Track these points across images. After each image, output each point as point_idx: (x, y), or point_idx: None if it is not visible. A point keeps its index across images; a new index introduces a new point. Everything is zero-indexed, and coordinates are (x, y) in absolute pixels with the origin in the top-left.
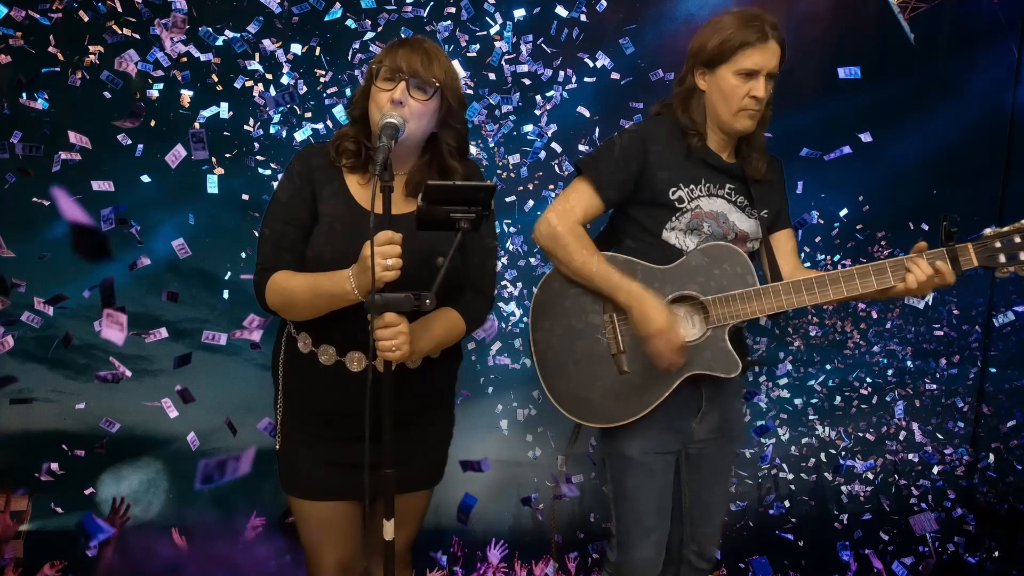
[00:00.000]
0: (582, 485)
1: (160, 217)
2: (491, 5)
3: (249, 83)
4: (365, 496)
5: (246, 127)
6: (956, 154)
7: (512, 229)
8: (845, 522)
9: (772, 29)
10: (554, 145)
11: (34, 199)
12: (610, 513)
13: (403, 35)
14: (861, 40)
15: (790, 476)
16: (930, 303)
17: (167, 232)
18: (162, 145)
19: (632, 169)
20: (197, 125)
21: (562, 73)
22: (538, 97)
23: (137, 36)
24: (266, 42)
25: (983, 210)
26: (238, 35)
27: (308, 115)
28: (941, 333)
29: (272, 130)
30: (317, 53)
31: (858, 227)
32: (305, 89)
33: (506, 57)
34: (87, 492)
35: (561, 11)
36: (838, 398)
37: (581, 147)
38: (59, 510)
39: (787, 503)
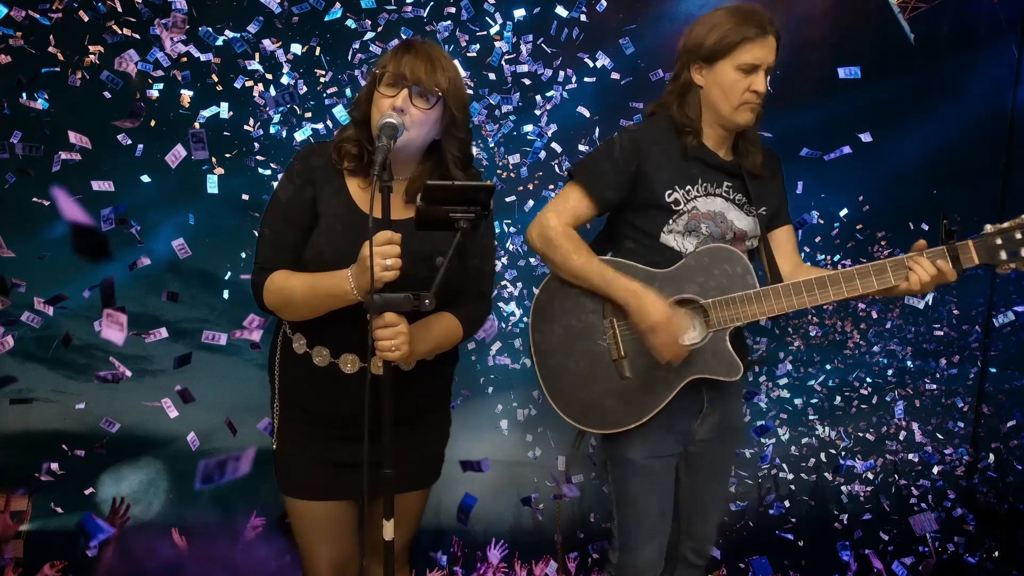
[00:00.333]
0: (582, 485)
1: (160, 217)
2: (491, 5)
3: (249, 83)
4: (364, 496)
5: (246, 127)
6: (956, 154)
7: (512, 229)
8: (845, 522)
9: (769, 24)
10: (554, 145)
11: (34, 199)
12: (611, 515)
13: (403, 35)
14: (861, 40)
15: (790, 476)
16: (930, 303)
17: (167, 232)
18: (162, 145)
19: (626, 174)
20: (197, 125)
21: (562, 73)
22: (538, 97)
23: (137, 36)
24: (266, 42)
25: (983, 210)
26: (238, 35)
27: (308, 115)
28: (941, 333)
29: (272, 130)
30: (317, 53)
31: (858, 227)
32: (305, 89)
33: (506, 57)
34: (87, 492)
35: (561, 11)
36: (838, 398)
37: (581, 147)
38: (59, 510)
39: (787, 503)
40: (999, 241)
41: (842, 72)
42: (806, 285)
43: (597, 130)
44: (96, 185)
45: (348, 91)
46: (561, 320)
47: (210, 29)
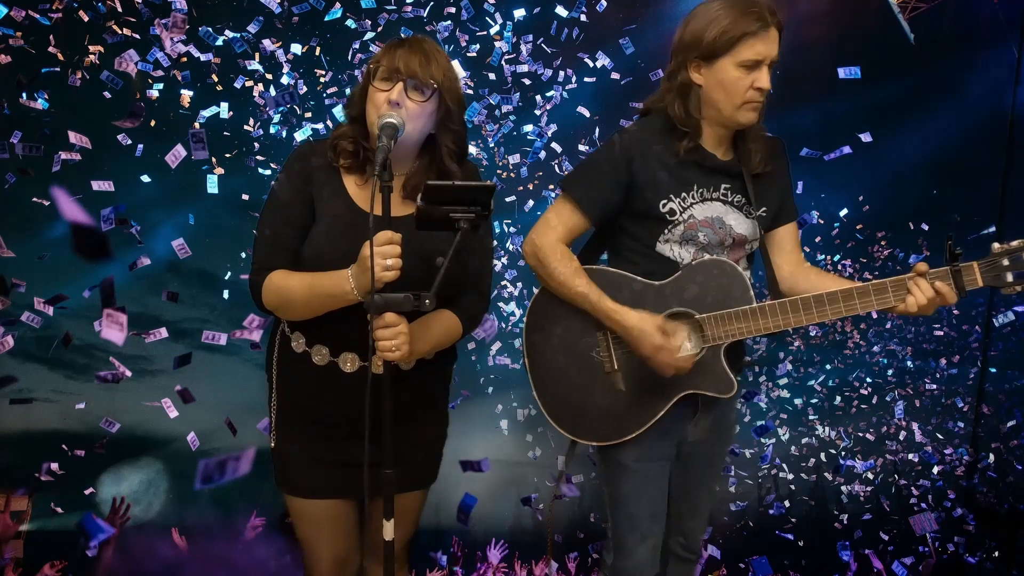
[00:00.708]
0: (582, 485)
1: (160, 217)
2: (491, 5)
3: (249, 83)
4: (364, 494)
5: (246, 127)
6: (956, 154)
7: (512, 229)
8: (845, 522)
9: (771, 15)
10: (554, 145)
11: (34, 199)
12: (606, 514)
13: (403, 35)
14: (861, 40)
15: (790, 476)
16: None
17: (167, 232)
18: (162, 145)
19: (618, 187)
20: (197, 125)
21: (562, 73)
22: (538, 97)
23: (137, 36)
24: (266, 42)
25: (983, 210)
26: (238, 35)
27: (308, 115)
28: (941, 333)
29: (272, 130)
30: (317, 53)
31: (858, 227)
32: (305, 89)
33: (506, 57)
34: (87, 492)
35: (561, 11)
36: (838, 398)
37: (581, 147)
38: (59, 510)
39: (787, 503)
40: (1006, 262)
41: (842, 72)
42: (803, 303)
43: (597, 130)
44: (96, 185)
45: (348, 91)
46: (556, 328)
47: (210, 29)
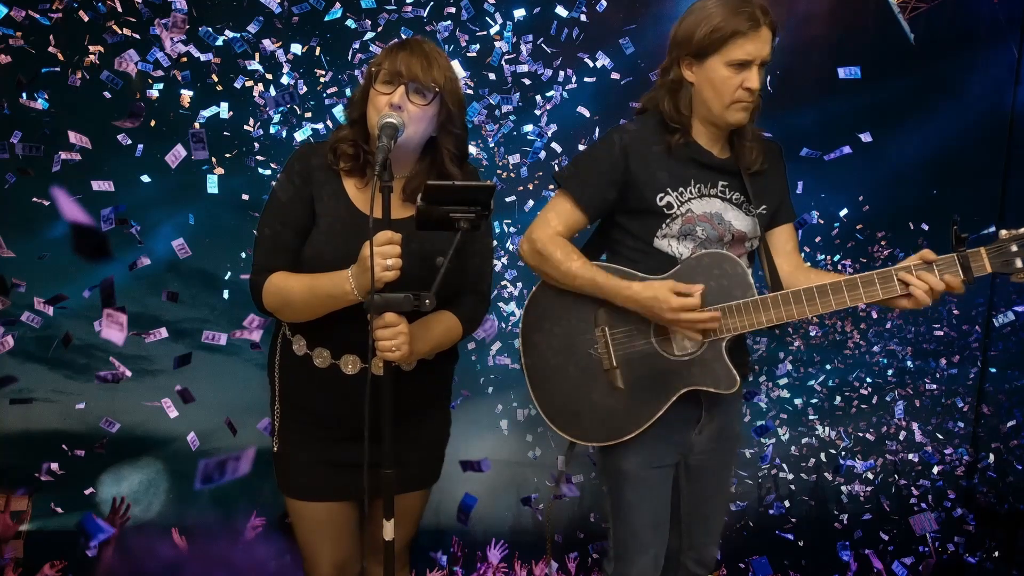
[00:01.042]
0: (582, 485)
1: (160, 217)
2: (491, 5)
3: (249, 83)
4: (364, 497)
5: (246, 127)
6: (956, 154)
7: (512, 229)
8: (845, 522)
9: (763, 14)
10: (554, 145)
11: (34, 199)
12: (607, 519)
13: (403, 35)
14: (861, 40)
15: (790, 476)
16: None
17: (167, 232)
18: (162, 145)
19: (615, 182)
20: (197, 125)
21: (562, 73)
22: (538, 97)
23: (137, 36)
24: (266, 42)
25: (983, 210)
26: (238, 35)
27: (308, 115)
28: (941, 333)
29: (272, 130)
30: (317, 53)
31: (858, 227)
32: (305, 89)
33: (506, 57)
34: (87, 492)
35: (561, 11)
36: (838, 398)
37: (581, 147)
38: (59, 510)
39: (787, 503)
40: (1014, 248)
41: (842, 72)
42: (806, 294)
43: (597, 130)
44: (96, 185)
45: (348, 91)
46: (553, 326)
47: (210, 29)
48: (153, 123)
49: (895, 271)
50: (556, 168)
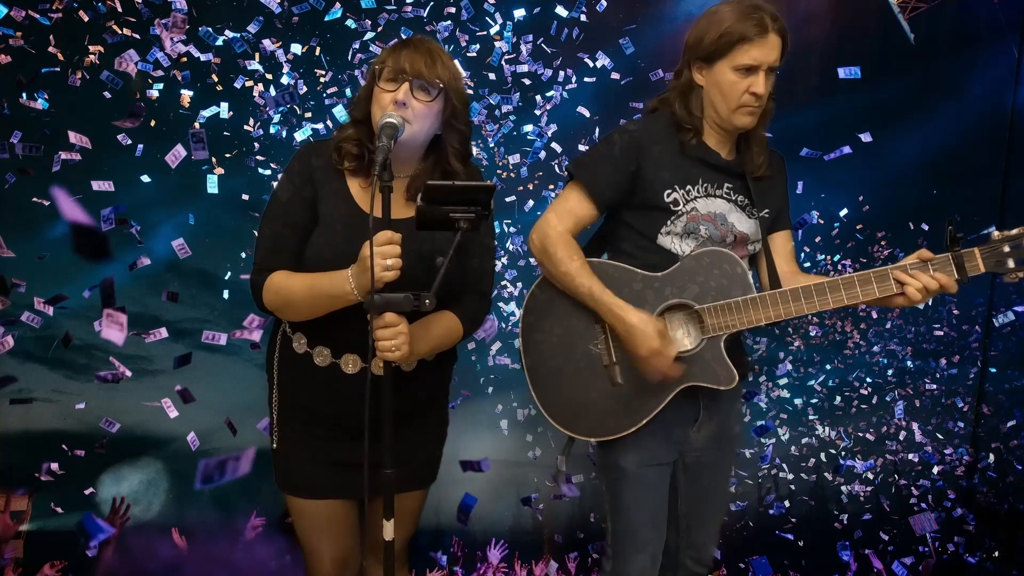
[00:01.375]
0: (582, 485)
1: (160, 217)
2: (491, 5)
3: (249, 83)
4: (364, 494)
5: (246, 127)
6: (956, 154)
7: (512, 229)
8: (845, 522)
9: (772, 21)
10: (554, 145)
11: (34, 199)
12: (606, 518)
13: (403, 35)
14: (861, 40)
15: (790, 476)
16: (930, 303)
17: (167, 232)
18: (162, 145)
19: (626, 173)
20: (197, 125)
21: (562, 73)
22: (538, 97)
23: (137, 36)
24: (266, 42)
25: (983, 210)
26: (238, 35)
27: (308, 115)
28: (941, 333)
29: (272, 130)
30: (317, 53)
31: (858, 227)
32: (305, 89)
33: (506, 57)
34: (87, 492)
35: (561, 11)
36: (838, 398)
37: (581, 147)
38: (59, 510)
39: (787, 503)
40: (1007, 249)
41: (842, 72)
42: (804, 292)
43: (597, 130)
44: (96, 185)
45: (348, 91)
46: (554, 327)
47: (210, 29)
48: (153, 123)
49: (891, 270)
50: (556, 168)
